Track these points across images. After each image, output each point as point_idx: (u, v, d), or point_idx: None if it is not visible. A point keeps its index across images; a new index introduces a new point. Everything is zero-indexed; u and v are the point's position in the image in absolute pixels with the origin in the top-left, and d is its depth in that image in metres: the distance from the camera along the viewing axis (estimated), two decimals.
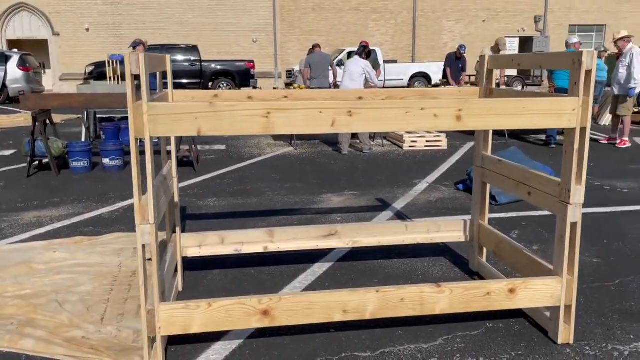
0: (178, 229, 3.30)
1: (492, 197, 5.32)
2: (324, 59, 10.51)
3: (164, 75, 3.23)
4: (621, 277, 3.57)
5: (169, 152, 3.47)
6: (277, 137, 10.02)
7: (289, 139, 9.79)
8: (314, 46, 10.84)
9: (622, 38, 8.91)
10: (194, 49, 19.65)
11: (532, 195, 2.90)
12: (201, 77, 19.57)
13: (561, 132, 9.58)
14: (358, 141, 8.59)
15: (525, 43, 27.32)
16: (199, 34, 24.92)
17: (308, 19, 26.26)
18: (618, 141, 8.94)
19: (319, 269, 3.71)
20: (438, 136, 8.70)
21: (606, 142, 9.22)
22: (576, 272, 2.66)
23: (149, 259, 3.85)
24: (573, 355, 2.63)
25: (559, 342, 2.71)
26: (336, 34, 26.39)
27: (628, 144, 8.90)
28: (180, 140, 6.87)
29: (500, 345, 2.72)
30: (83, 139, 8.76)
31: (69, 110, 13.75)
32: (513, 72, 23.13)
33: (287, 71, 22.22)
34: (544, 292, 2.66)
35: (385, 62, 20.98)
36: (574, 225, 2.60)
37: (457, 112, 2.41)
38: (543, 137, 9.67)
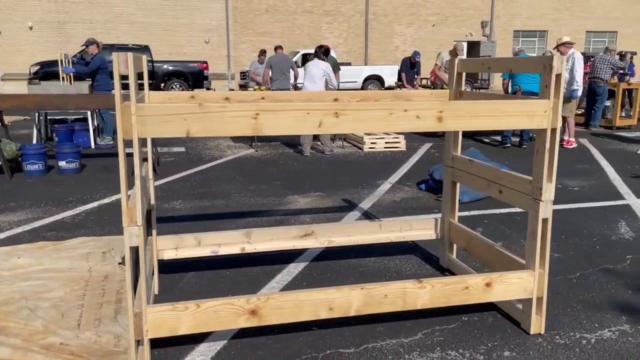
0: (154, 232, 3.26)
1: None
2: (285, 61, 10.54)
3: (139, 76, 3.19)
4: (581, 269, 3.77)
5: (145, 155, 3.43)
6: (236, 139, 9.96)
7: (249, 140, 9.76)
8: (276, 48, 10.86)
9: (564, 43, 9.35)
10: (145, 49, 19.22)
11: (504, 193, 3.04)
12: (153, 77, 19.17)
13: (515, 133, 9.97)
14: (319, 143, 8.65)
15: (473, 47, 28.14)
16: (149, 33, 24.40)
17: (261, 20, 26.16)
18: (565, 142, 9.37)
19: (294, 269, 3.74)
20: (397, 137, 8.88)
21: None
22: (547, 266, 2.80)
23: (120, 263, 3.79)
24: (545, 344, 2.77)
25: (531, 332, 2.85)
26: (290, 35, 26.41)
27: (574, 145, 9.35)
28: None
29: (476, 337, 2.83)
30: (34, 141, 8.45)
31: (16, 111, 13.19)
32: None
33: (241, 72, 22.06)
34: (518, 285, 2.79)
35: (340, 64, 21.13)
36: (545, 221, 2.75)
37: (438, 113, 2.50)
38: (499, 137, 10.02)
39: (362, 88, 21.50)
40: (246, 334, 2.83)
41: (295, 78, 10.73)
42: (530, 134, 9.51)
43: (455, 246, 3.74)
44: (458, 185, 3.66)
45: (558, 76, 2.59)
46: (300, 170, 7.17)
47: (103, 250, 4.07)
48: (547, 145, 2.66)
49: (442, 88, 10.13)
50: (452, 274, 3.66)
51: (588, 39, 30.26)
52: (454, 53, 9.73)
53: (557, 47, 9.34)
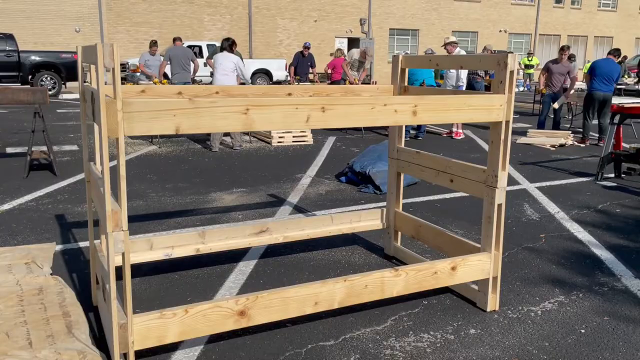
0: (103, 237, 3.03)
1: (377, 187, 5.71)
2: (184, 53, 10.18)
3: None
4: (508, 249, 4.12)
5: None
6: (135, 137, 9.43)
7: (149, 137, 9.29)
8: (175, 39, 10.43)
9: (450, 43, 10.06)
10: (9, 37, 17.41)
11: (455, 182, 3.24)
12: (19, 69, 17.45)
13: (413, 127, 10.52)
14: (229, 138, 8.49)
15: (353, 44, 29.13)
16: (12, 20, 22.13)
17: (138, 9, 24.86)
18: (454, 133, 10.10)
19: (245, 267, 3.68)
20: (304, 131, 8.98)
21: (445, 135, 10.34)
22: (501, 248, 3.05)
23: (52, 274, 3.47)
24: (501, 319, 3.01)
25: (488, 310, 3.09)
26: (169, 26, 25.41)
27: (462, 135, 10.10)
28: (32, 141, 6.13)
29: (441, 318, 3.00)
30: None
31: None
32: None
33: (121, 64, 20.80)
34: (477, 267, 3.00)
35: None
36: (500, 206, 2.98)
37: (413, 107, 2.61)
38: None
39: (251, 82, 21.30)
40: (221, 337, 2.75)
41: (195, 71, 10.41)
42: (425, 127, 10.11)
43: (400, 234, 3.90)
44: (402, 176, 3.82)
45: (512, 73, 2.81)
46: (214, 167, 6.99)
47: (25, 261, 3.69)
48: (502, 137, 2.88)
49: (350, 83, 10.45)
50: (399, 261, 3.82)
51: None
52: (363, 55, 10.14)
53: (444, 46, 10.02)
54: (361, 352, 2.64)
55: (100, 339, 2.70)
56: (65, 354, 2.55)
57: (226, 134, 8.99)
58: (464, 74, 9.88)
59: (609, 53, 9.62)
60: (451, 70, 9.98)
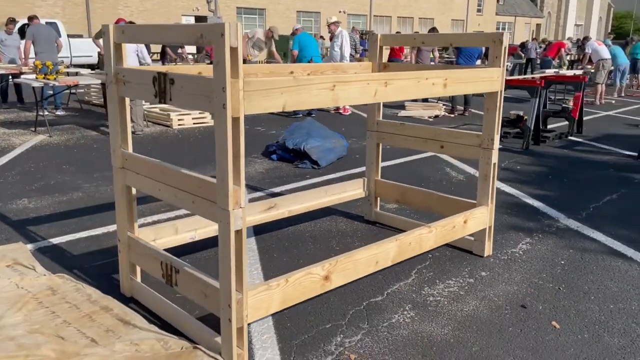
0: (135, 224, 2.91)
1: (315, 162, 5.98)
2: (49, 31, 9.32)
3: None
4: None
5: None
6: (11, 126, 8.42)
7: (30, 125, 8.36)
8: (31, 17, 9.43)
9: (333, 22, 10.57)
10: None
11: (445, 148, 3.66)
12: None
13: None
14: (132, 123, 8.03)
15: (200, 22, 28.42)
16: None
17: None
18: (342, 109, 10.66)
19: (250, 244, 3.74)
20: (202, 113, 8.81)
21: (334, 111, 10.86)
22: (494, 201, 3.55)
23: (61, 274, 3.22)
24: (497, 262, 3.53)
25: (485, 255, 3.59)
26: None
27: (349, 112, 10.71)
28: None
29: (453, 267, 3.43)
30: None
31: None
32: None
33: None
34: (480, 219, 3.47)
35: (70, 36, 19.08)
36: (494, 165, 3.47)
37: (444, 80, 2.94)
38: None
39: (98, 63, 19.80)
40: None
41: (58, 50, 9.56)
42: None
43: (379, 201, 4.25)
44: (381, 146, 4.15)
45: (505, 48, 3.28)
46: None
47: (6, 264, 3.34)
48: (498, 104, 3.36)
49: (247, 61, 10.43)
50: (383, 224, 4.17)
51: (299, 18, 33.47)
52: (269, 34, 10.18)
53: (328, 26, 10.47)
54: (410, 302, 2.96)
55: (162, 327, 2.65)
56: (143, 344, 2.48)
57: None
58: (347, 52, 10.49)
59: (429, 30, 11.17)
60: (335, 50, 10.49)
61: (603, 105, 12.51)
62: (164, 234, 3.10)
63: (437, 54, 12.49)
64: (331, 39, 11.04)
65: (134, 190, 2.83)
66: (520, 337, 2.61)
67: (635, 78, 16.19)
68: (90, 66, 18.94)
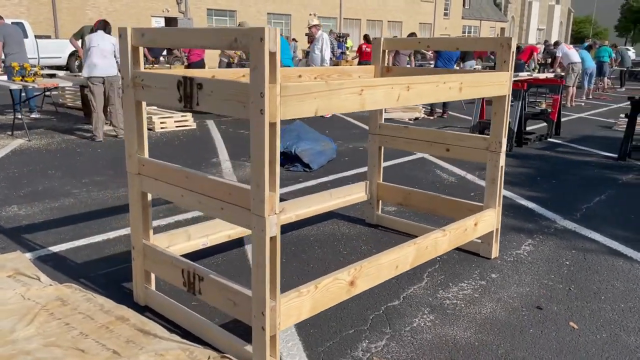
0: (150, 232, 2.84)
1: (306, 165, 5.95)
2: (17, 31, 9.02)
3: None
4: None
5: None
6: None
7: (6, 129, 8.08)
8: None
9: (314, 25, 10.57)
10: None
11: (451, 151, 3.69)
12: None
13: None
14: (111, 127, 7.85)
15: (170, 23, 28.01)
16: None
17: None
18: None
19: None
20: (185, 115, 8.68)
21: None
22: (501, 204, 3.59)
23: (68, 284, 3.12)
24: (505, 263, 3.57)
25: (492, 257, 3.63)
26: None
27: (330, 114, 10.71)
28: None
29: (463, 269, 3.46)
30: None
31: None
32: None
33: None
34: (489, 222, 3.51)
35: (37, 37, 18.55)
36: (502, 168, 3.51)
37: (460, 85, 2.96)
38: None
39: (67, 65, 19.35)
40: None
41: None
42: None
43: (380, 204, 4.25)
44: (382, 149, 4.15)
45: (514, 53, 3.32)
46: (117, 157, 6.48)
47: (7, 275, 3.21)
48: (507, 107, 3.40)
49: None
50: (385, 227, 4.18)
51: (270, 20, 33.37)
52: None
53: (309, 29, 10.46)
54: (427, 305, 2.96)
55: (183, 336, 2.59)
56: (168, 355, 2.41)
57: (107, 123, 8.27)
58: (327, 55, 10.49)
59: (408, 35, 11.23)
60: (315, 52, 10.49)
61: (574, 108, 12.86)
62: (178, 240, 3.03)
63: (412, 57, 12.63)
64: (311, 42, 11.04)
65: (149, 197, 2.76)
66: (542, 339, 2.64)
67: (601, 81, 16.70)
68: (59, 67, 18.46)
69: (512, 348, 2.56)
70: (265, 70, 1.95)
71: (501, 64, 3.36)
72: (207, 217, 4.29)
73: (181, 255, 2.83)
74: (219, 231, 3.24)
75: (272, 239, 2.13)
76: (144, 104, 2.65)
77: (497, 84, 3.25)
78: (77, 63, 18.53)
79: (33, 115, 9.28)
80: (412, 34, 11.81)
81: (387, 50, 3.94)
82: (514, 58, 3.35)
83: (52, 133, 7.96)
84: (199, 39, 2.24)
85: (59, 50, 18.87)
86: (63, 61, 19.14)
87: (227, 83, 2.12)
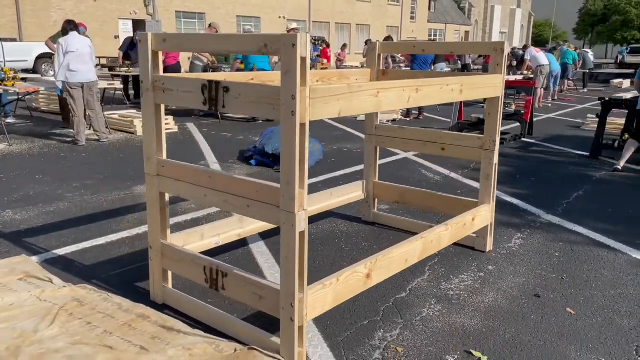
0: (168, 231, 2.91)
1: None
2: None
3: None
4: None
5: None
6: None
7: None
8: None
9: (293, 28, 10.72)
10: None
11: (447, 150, 3.86)
12: None
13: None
14: (92, 131, 7.79)
15: (138, 26, 27.68)
16: None
17: None
18: None
19: (259, 248, 3.78)
20: (166, 119, 8.68)
21: None
22: (495, 199, 3.78)
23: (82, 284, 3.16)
24: (499, 256, 3.76)
25: (487, 250, 3.81)
26: None
27: None
28: None
29: (461, 262, 3.63)
30: None
31: None
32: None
33: None
34: (484, 217, 3.69)
35: (2, 40, 18.07)
36: (495, 165, 3.70)
37: (461, 87, 3.13)
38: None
39: (34, 68, 18.94)
40: None
41: None
42: None
43: (377, 202, 4.40)
44: (378, 149, 4.30)
45: (506, 57, 3.52)
46: (103, 161, 6.46)
47: (18, 278, 3.23)
48: (499, 108, 3.59)
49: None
50: (382, 225, 4.33)
51: (239, 22, 33.31)
52: (214, 32, 10.01)
53: (287, 32, 10.56)
54: (433, 296, 3.12)
55: (205, 332, 2.67)
56: (195, 348, 2.50)
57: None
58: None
59: (384, 38, 11.48)
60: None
61: (542, 109, 13.31)
62: (192, 239, 3.11)
63: (389, 60, 12.89)
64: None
65: (167, 197, 2.84)
66: (543, 324, 2.83)
67: (563, 83, 17.32)
68: (26, 71, 18.06)
69: (517, 333, 2.73)
70: (297, 74, 2.06)
71: (494, 67, 3.55)
72: (207, 220, 4.37)
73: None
74: (230, 230, 3.33)
75: (301, 233, 2.24)
76: (155, 106, 2.72)
77: (492, 86, 3.44)
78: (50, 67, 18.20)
79: (8, 120, 9.13)
80: (389, 38, 12.05)
81: (382, 54, 4.10)
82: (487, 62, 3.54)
83: (32, 138, 7.85)
84: (228, 45, 2.33)
85: (25, 53, 18.48)
86: (30, 64, 18.74)
87: (257, 86, 2.23)
